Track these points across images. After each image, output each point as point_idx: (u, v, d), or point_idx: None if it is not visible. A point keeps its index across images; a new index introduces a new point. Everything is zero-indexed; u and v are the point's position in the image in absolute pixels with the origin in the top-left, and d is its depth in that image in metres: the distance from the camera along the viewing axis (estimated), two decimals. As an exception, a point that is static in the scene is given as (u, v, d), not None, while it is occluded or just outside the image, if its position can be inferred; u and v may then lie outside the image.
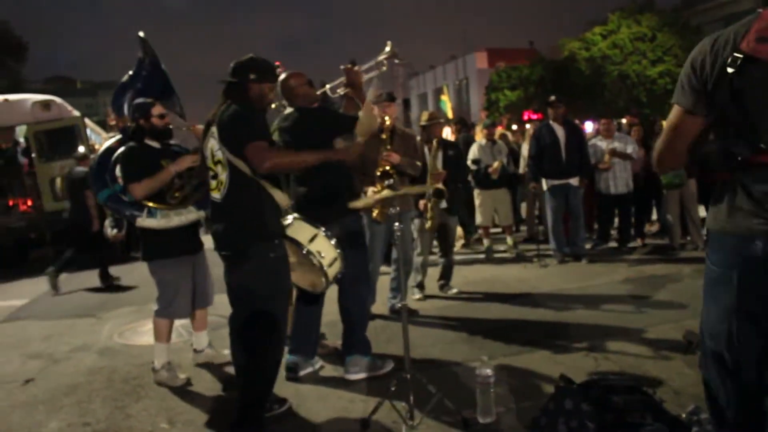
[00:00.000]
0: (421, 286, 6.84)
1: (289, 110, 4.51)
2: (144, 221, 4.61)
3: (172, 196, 4.65)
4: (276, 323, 3.59)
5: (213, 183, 3.68)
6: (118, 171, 4.75)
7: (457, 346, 5.16)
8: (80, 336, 6.46)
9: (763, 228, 2.01)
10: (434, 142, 6.71)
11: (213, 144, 3.62)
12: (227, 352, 4.24)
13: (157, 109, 4.75)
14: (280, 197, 3.67)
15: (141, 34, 5.43)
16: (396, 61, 4.71)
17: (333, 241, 4.01)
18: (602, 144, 8.81)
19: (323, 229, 4.00)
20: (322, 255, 3.91)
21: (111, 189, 4.77)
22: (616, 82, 28.82)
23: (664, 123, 3.07)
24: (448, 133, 10.80)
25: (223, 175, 3.56)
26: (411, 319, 5.41)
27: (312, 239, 3.93)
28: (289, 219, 4.03)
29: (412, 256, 6.43)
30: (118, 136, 5.01)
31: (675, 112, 2.22)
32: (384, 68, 4.52)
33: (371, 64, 4.52)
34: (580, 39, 30.77)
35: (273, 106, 5.34)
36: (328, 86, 4.69)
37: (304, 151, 3.90)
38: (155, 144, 4.73)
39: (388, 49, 4.48)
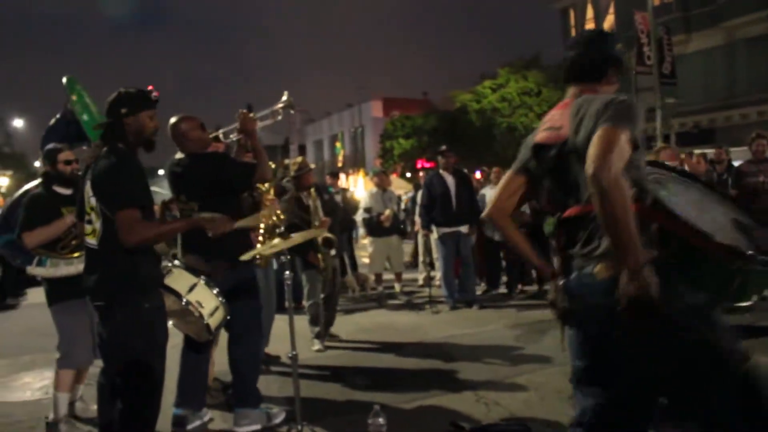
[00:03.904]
0: (320, 335, 6.66)
1: (180, 155, 4.38)
2: (33, 269, 4.50)
3: (64, 245, 4.47)
4: (150, 378, 3.34)
5: (88, 228, 3.41)
6: None
7: (350, 395, 5.09)
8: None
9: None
10: (312, 191, 6.61)
11: (89, 189, 3.39)
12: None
13: (64, 155, 4.57)
14: (159, 245, 3.51)
15: (64, 79, 5.39)
16: (291, 111, 4.73)
17: (215, 290, 3.88)
18: (492, 192, 9.07)
19: (203, 277, 3.88)
20: (202, 305, 3.78)
21: (12, 235, 4.54)
22: (505, 134, 29.97)
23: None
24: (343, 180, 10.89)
25: (98, 223, 3.32)
26: (304, 368, 5.32)
27: (191, 289, 3.78)
28: (169, 267, 3.89)
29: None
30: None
31: (509, 172, 2.75)
32: (279, 117, 4.51)
33: (266, 113, 4.51)
34: (471, 91, 31.89)
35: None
36: (221, 131, 4.63)
37: (175, 221, 3.90)
38: (65, 191, 4.53)
39: (285, 98, 4.49)
